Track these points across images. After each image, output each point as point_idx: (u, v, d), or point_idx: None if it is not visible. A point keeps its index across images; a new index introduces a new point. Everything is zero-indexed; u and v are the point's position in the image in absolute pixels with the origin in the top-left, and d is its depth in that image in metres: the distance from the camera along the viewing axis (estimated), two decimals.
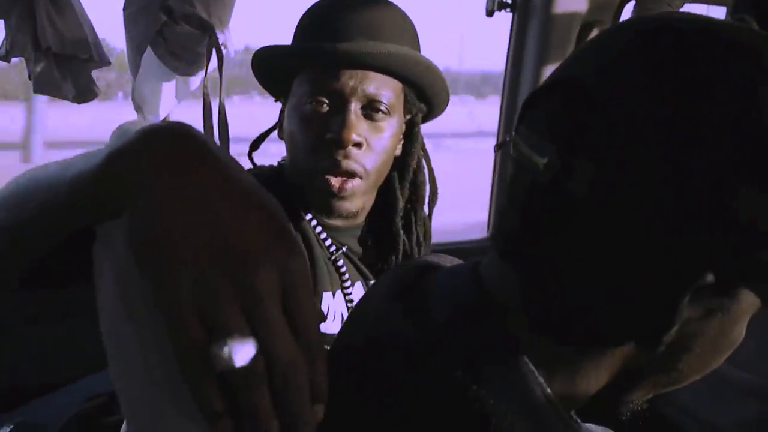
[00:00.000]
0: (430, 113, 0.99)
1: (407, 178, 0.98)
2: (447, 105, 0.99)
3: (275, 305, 0.36)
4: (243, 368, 0.35)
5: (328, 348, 0.56)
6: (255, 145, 1.02)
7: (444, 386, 0.44)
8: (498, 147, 0.53)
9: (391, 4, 0.93)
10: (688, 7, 1.73)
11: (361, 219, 0.96)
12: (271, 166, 1.00)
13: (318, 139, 0.86)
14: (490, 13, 1.57)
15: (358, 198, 0.89)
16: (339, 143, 0.84)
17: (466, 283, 0.51)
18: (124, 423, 0.76)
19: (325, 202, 0.88)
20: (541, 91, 0.47)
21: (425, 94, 0.95)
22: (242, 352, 0.35)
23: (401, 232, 0.98)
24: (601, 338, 0.46)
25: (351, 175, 0.86)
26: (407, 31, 0.92)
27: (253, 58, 0.95)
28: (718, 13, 1.87)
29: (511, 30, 1.62)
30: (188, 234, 0.36)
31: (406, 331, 0.48)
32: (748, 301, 0.44)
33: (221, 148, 0.41)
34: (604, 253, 0.43)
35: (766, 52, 0.42)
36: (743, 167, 0.40)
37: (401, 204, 0.98)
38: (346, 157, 0.85)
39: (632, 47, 0.44)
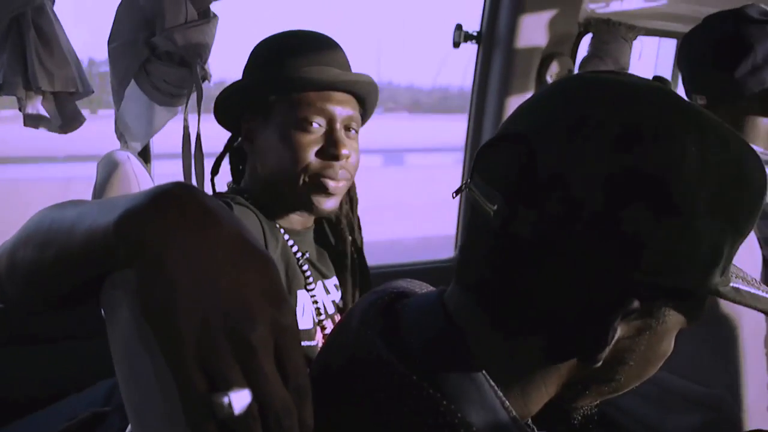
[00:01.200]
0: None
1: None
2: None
3: (268, 357, 0.42)
4: (241, 415, 0.41)
5: (305, 343, 0.60)
6: (215, 170, 1.17)
7: (418, 403, 0.50)
8: (456, 192, 0.60)
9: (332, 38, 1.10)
10: (641, 39, 1.84)
11: (312, 224, 1.13)
12: (232, 190, 1.13)
13: (314, 152, 1.02)
14: (456, 45, 1.65)
15: (340, 197, 1.07)
16: (336, 157, 1.02)
17: (433, 310, 0.57)
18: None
19: (318, 201, 1.04)
20: (490, 144, 0.54)
21: (366, 114, 1.14)
22: (240, 401, 0.41)
23: (346, 229, 1.16)
24: (549, 356, 0.53)
25: (343, 179, 1.05)
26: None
27: (229, 86, 1.06)
28: (671, 44, 1.98)
29: (477, 61, 1.70)
30: (192, 297, 0.41)
31: (382, 355, 0.53)
32: (672, 320, 0.52)
33: (221, 205, 0.46)
34: (547, 286, 0.50)
35: (672, 113, 0.49)
36: (657, 212, 0.47)
37: (344, 206, 1.16)
38: (342, 167, 1.03)
39: (562, 107, 0.51)
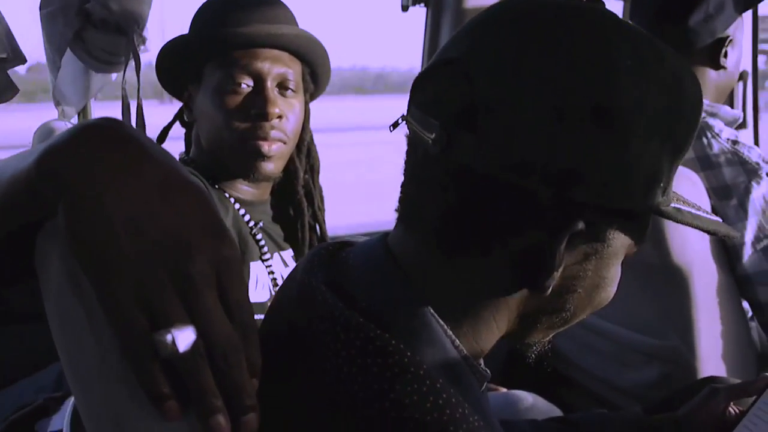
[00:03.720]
0: (316, 92, 1.12)
1: (303, 151, 1.12)
2: (327, 85, 1.13)
3: (211, 292, 0.40)
4: (186, 353, 0.38)
5: (260, 316, 0.60)
6: (161, 139, 1.11)
7: (366, 344, 0.48)
8: (392, 126, 0.59)
9: None
10: None
11: (267, 194, 1.08)
12: (180, 161, 1.06)
13: (243, 114, 0.98)
14: (404, 9, 1.63)
15: (280, 160, 1.02)
16: (264, 116, 0.97)
17: (378, 253, 0.55)
18: (71, 402, 0.78)
19: (254, 166, 1.00)
20: (425, 72, 0.52)
21: (316, 74, 1.08)
22: (184, 338, 0.39)
23: (304, 200, 1.11)
24: (496, 287, 0.52)
25: (275, 140, 0.99)
26: (294, 20, 1.05)
27: (160, 51, 1.02)
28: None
29: (426, 24, 1.68)
30: (126, 230, 0.38)
31: (327, 299, 0.51)
32: (618, 243, 0.52)
33: (149, 139, 0.43)
34: (490, 212, 0.49)
35: (607, 29, 0.48)
36: (594, 131, 0.46)
37: (301, 173, 1.11)
38: (272, 127, 0.99)
39: (494, 29, 0.49)
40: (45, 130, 1.19)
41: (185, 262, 0.39)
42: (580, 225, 0.48)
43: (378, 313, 0.50)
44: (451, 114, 0.49)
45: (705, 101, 1.30)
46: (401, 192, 0.56)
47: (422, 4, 1.66)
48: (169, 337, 0.38)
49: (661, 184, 0.50)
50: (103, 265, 0.38)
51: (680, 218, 0.52)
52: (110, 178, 0.39)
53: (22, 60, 1.18)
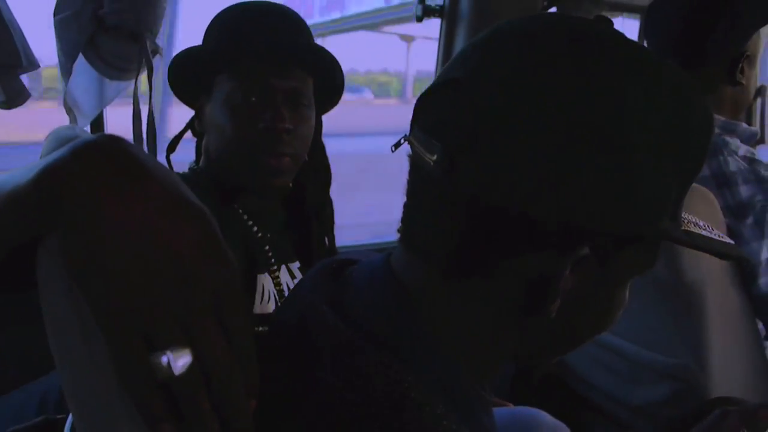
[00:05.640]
0: (327, 106, 1.11)
1: (314, 164, 1.10)
2: (340, 98, 1.10)
3: (209, 315, 0.40)
4: (182, 375, 0.38)
5: (265, 328, 0.60)
6: (171, 147, 1.11)
7: (367, 367, 0.47)
8: (394, 147, 0.58)
9: (291, 9, 1.04)
10: (605, 15, 1.83)
11: (276, 206, 1.07)
12: (185, 172, 1.08)
13: (251, 128, 0.96)
14: (419, 19, 1.62)
15: (288, 174, 1.01)
16: (273, 130, 0.96)
17: (380, 274, 0.54)
18: (69, 419, 0.78)
19: (262, 179, 0.99)
20: (428, 92, 0.52)
21: (329, 87, 1.06)
22: (180, 361, 0.38)
23: (313, 213, 1.10)
24: (500, 313, 0.50)
25: (284, 155, 0.97)
26: (309, 32, 1.04)
27: (172, 60, 1.02)
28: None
29: (440, 36, 1.67)
30: (124, 251, 0.38)
31: (329, 320, 0.51)
32: (624, 268, 0.51)
33: (152, 158, 0.43)
34: (493, 237, 0.48)
35: (612, 53, 0.47)
36: (601, 157, 0.44)
37: (311, 187, 1.10)
38: (280, 142, 0.97)
39: (499, 50, 0.48)
40: (56, 137, 1.18)
41: (184, 285, 0.39)
42: (585, 250, 0.47)
43: (380, 336, 0.50)
44: (453, 137, 0.48)
45: (722, 118, 1.28)
46: (403, 212, 0.55)
47: (436, 16, 1.65)
48: (164, 359, 0.38)
49: (670, 210, 0.49)
50: (99, 287, 0.38)
51: (690, 242, 0.51)
52: (109, 200, 0.39)
53: (35, 66, 1.19)
